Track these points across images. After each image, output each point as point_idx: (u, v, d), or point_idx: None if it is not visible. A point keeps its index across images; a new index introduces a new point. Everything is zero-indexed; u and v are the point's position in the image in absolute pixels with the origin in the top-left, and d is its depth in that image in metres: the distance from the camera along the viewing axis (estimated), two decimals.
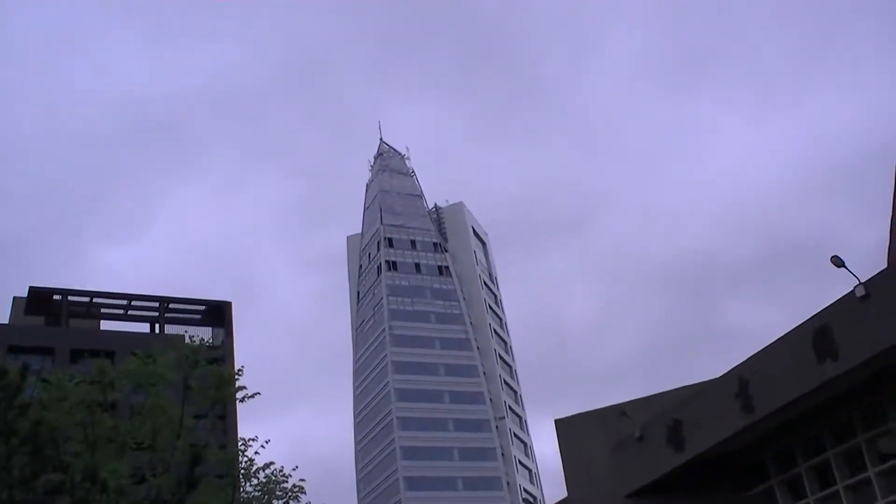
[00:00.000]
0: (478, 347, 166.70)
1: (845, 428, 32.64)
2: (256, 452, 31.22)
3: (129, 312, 79.67)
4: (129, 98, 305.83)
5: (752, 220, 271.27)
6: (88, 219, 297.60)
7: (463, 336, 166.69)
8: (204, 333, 72.86)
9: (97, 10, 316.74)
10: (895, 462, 30.68)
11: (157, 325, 79.06)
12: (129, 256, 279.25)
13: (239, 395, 29.93)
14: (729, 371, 33.57)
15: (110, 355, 54.47)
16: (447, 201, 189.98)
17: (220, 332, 78.71)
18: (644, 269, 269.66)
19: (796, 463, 34.53)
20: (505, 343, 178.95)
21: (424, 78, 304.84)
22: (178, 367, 27.99)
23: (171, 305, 79.91)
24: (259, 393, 30.07)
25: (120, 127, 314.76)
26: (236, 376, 30.11)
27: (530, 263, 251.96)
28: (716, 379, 34.94)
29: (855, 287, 28.19)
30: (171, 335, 68.08)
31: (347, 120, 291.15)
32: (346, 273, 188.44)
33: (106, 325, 79.48)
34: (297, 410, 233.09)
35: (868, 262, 28.93)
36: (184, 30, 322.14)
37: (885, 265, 30.56)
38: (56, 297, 76.46)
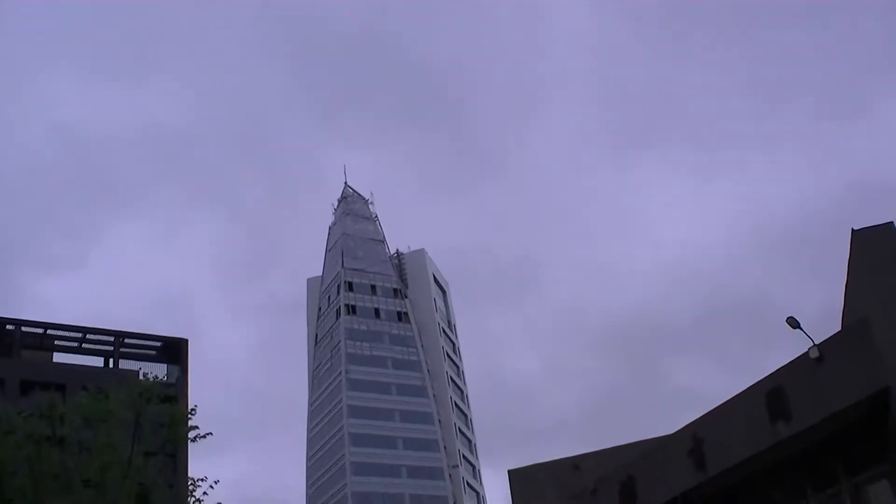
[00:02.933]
0: (434, 395, 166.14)
1: (796, 489, 32.78)
2: (205, 493, 30.73)
3: (83, 346, 78.60)
4: (66, 135, 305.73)
5: (694, 281, 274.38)
6: (22, 251, 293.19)
7: (419, 383, 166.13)
8: (159, 370, 72.00)
9: (36, 47, 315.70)
10: None
11: (111, 360, 78.00)
12: (63, 290, 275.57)
13: (191, 434, 29.58)
14: (683, 428, 33.70)
15: (61, 389, 53.76)
16: (409, 247, 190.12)
17: (176, 369, 77.76)
18: (587, 327, 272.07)
19: None
20: (461, 391, 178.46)
21: (374, 128, 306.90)
22: (130, 404, 27.66)
23: (126, 340, 78.91)
24: (211, 433, 29.74)
25: (56, 163, 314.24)
26: (189, 416, 29.79)
27: (480, 316, 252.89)
28: (670, 435, 35.06)
29: (809, 349, 28.48)
30: (125, 371, 67.27)
31: (295, 165, 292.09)
32: (305, 315, 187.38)
33: (59, 357, 78.36)
34: (248, 452, 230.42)
35: (813, 325, 29.28)
36: (126, 71, 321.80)
37: (833, 328, 30.89)
38: (9, 326, 75.34)
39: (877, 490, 30.78)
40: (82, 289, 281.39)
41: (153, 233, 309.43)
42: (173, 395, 55.19)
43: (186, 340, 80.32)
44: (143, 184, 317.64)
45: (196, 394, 69.32)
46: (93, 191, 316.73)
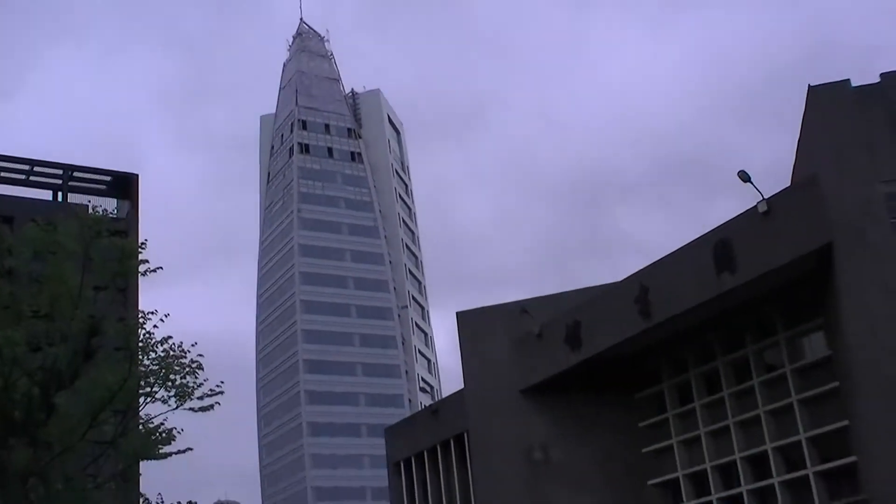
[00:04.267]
0: (385, 236, 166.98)
1: (735, 339, 33.77)
2: (155, 326, 30.88)
3: (31, 178, 77.48)
4: None
5: (645, 131, 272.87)
6: None
7: (371, 223, 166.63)
8: (109, 205, 71.34)
9: None
10: (779, 372, 31.89)
11: (59, 194, 77.11)
12: None
13: (141, 268, 29.48)
14: (630, 276, 34.26)
15: (9, 221, 53.26)
16: (364, 88, 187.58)
17: (126, 204, 77.12)
18: (537, 174, 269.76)
19: (687, 369, 35.67)
20: (413, 233, 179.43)
21: None
22: (79, 237, 27.40)
23: (75, 174, 77.82)
24: (161, 268, 29.60)
25: None
26: (140, 250, 29.63)
27: (433, 159, 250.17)
28: (617, 283, 35.64)
29: (758, 203, 28.82)
30: (74, 204, 66.45)
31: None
32: (257, 153, 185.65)
33: (5, 189, 77.29)
34: (198, 287, 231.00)
35: (764, 180, 29.54)
36: None
37: (784, 184, 31.26)
38: None
39: (812, 341, 31.87)
40: (17, 118, 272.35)
41: (91, 63, 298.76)
42: (123, 229, 54.92)
43: (137, 175, 79.39)
44: (79, 10, 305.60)
45: (146, 229, 68.80)
46: (24, 16, 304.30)
